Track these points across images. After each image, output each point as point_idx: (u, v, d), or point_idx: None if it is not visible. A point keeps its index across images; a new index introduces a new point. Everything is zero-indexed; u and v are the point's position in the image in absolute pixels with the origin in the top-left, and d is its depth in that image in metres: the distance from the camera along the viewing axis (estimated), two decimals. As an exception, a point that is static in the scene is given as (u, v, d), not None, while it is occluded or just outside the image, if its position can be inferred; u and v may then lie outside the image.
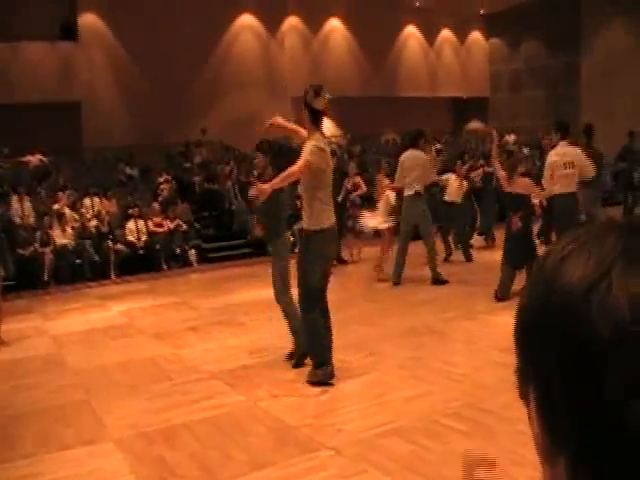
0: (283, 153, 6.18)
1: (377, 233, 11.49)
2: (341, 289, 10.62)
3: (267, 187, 5.86)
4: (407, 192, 9.84)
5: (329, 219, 5.83)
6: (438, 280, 9.96)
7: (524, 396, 0.65)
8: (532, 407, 0.63)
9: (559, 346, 0.58)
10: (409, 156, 9.90)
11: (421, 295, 9.46)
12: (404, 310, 8.64)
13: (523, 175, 8.78)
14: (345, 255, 13.00)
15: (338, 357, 6.57)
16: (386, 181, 10.72)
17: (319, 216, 5.80)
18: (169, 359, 7.24)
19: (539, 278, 0.63)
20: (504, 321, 7.65)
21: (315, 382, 5.86)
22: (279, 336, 7.27)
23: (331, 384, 5.85)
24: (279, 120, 6.25)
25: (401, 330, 7.57)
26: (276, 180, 5.89)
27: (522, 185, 8.56)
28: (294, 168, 5.78)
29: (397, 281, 10.11)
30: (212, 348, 7.57)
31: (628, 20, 23.97)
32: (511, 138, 22.13)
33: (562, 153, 8.52)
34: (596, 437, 0.55)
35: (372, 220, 10.66)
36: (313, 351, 5.99)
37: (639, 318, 0.54)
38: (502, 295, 8.54)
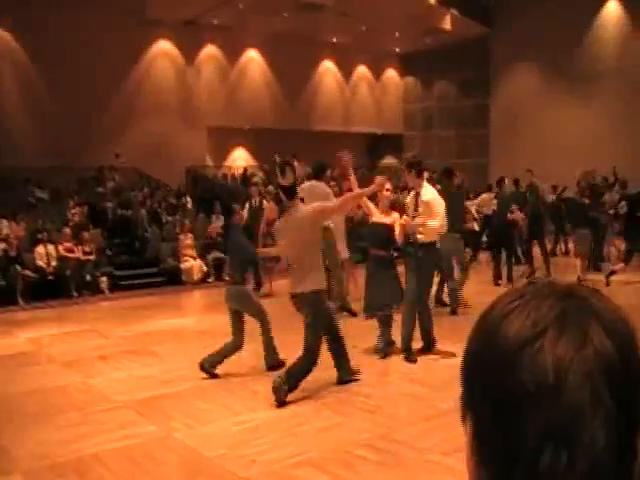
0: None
1: None
2: (251, 318, 10.63)
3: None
4: None
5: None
6: (345, 309, 10.20)
7: (463, 419, 0.75)
8: (468, 430, 0.74)
9: (492, 388, 0.69)
10: (305, 187, 9.48)
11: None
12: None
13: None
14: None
15: (250, 388, 6.63)
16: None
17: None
18: (79, 388, 7.11)
19: (484, 323, 0.73)
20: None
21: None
22: (190, 366, 7.27)
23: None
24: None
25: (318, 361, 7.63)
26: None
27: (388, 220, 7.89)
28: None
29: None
30: (123, 377, 7.47)
31: (534, 66, 25.20)
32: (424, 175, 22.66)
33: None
34: (514, 468, 0.66)
35: None
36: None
37: (560, 381, 0.65)
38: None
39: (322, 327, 6.31)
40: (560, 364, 0.66)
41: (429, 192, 7.68)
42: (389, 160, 29.66)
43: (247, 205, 13.46)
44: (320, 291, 6.25)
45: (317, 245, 6.41)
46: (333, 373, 7.20)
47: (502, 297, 0.74)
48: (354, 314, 10.08)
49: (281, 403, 6.07)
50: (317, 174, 10.08)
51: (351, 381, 6.71)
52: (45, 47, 19.66)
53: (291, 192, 6.32)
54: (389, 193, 7.86)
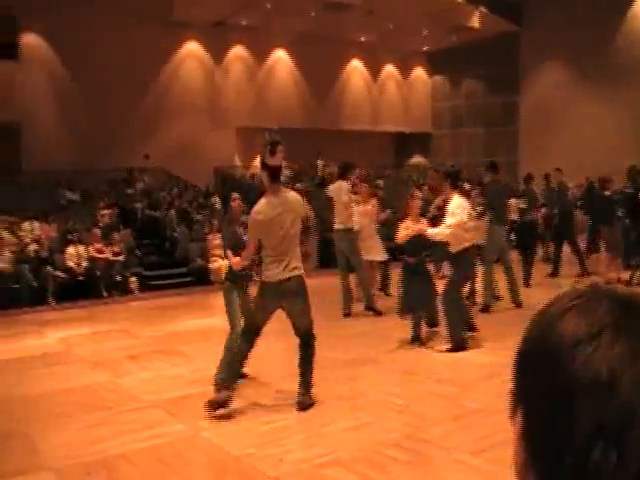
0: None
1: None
2: (282, 319, 10.64)
3: (243, 257, 6.38)
4: (341, 226, 10.05)
5: (273, 275, 5.98)
6: (372, 308, 10.26)
7: (513, 415, 0.75)
8: (517, 426, 0.74)
9: (545, 385, 0.69)
10: (334, 188, 10.11)
11: (360, 327, 9.56)
12: (345, 341, 8.70)
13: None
14: None
15: (278, 388, 6.62)
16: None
17: (265, 269, 6.06)
18: (108, 387, 7.15)
19: (541, 321, 0.74)
20: (440, 354, 7.81)
21: None
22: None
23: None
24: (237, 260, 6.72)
25: (341, 361, 7.63)
26: (246, 254, 6.36)
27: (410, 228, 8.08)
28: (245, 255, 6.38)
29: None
30: (152, 377, 7.50)
31: (563, 62, 24.92)
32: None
33: None
34: (562, 465, 0.66)
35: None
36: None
37: (614, 381, 0.65)
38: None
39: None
40: (615, 366, 0.66)
41: (455, 203, 7.81)
42: (417, 159, 29.55)
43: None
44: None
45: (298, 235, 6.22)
46: (361, 372, 7.18)
47: (561, 296, 0.75)
48: (380, 313, 10.14)
49: (311, 405, 6.06)
50: (343, 174, 10.13)
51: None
52: (75, 50, 19.89)
53: (277, 174, 5.94)
54: (419, 201, 8.18)
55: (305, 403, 6.04)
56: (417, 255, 8.04)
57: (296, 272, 6.01)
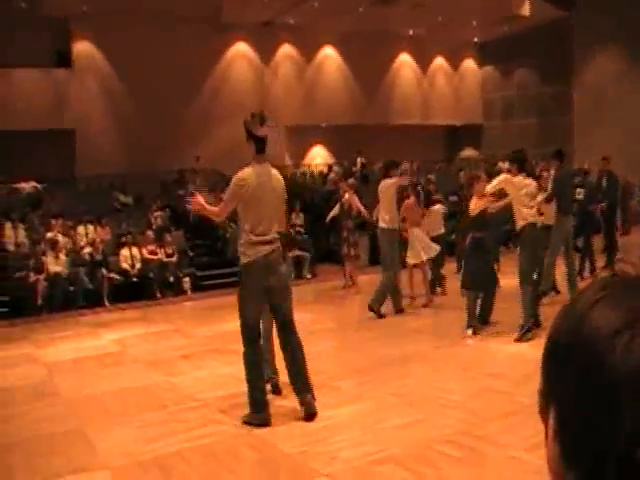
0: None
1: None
2: (333, 318, 10.70)
3: (207, 208, 6.01)
4: (383, 225, 10.01)
5: (257, 252, 5.68)
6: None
7: (544, 415, 0.72)
8: (550, 426, 0.70)
9: (581, 380, 0.65)
10: (381, 187, 10.10)
11: (413, 323, 9.53)
12: (397, 338, 8.69)
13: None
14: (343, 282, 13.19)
15: (330, 385, 6.63)
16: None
17: (246, 248, 5.70)
18: (163, 387, 7.27)
19: (570, 314, 0.70)
20: (496, 348, 7.73)
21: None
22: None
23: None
24: (200, 201, 6.07)
25: (394, 357, 7.62)
26: (214, 210, 6.02)
27: (473, 205, 8.46)
28: (215, 211, 5.98)
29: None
30: (205, 376, 7.60)
31: (617, 49, 24.32)
32: (505, 166, 22.27)
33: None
34: (604, 466, 0.62)
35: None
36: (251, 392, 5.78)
37: None
38: (470, 323, 8.54)
39: None
40: None
41: (518, 179, 8.13)
42: (468, 152, 29.24)
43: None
44: None
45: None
46: (414, 369, 7.15)
47: (587, 287, 0.72)
48: (400, 310, 10.17)
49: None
50: (387, 172, 10.14)
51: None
52: (125, 56, 20.26)
53: (263, 145, 5.76)
54: (484, 183, 8.45)
55: (314, 409, 5.82)
56: (483, 231, 8.46)
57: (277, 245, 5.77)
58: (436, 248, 10.63)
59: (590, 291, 0.70)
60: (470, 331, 8.37)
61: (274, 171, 5.93)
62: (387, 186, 9.90)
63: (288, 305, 5.94)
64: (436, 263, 11.27)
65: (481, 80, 29.75)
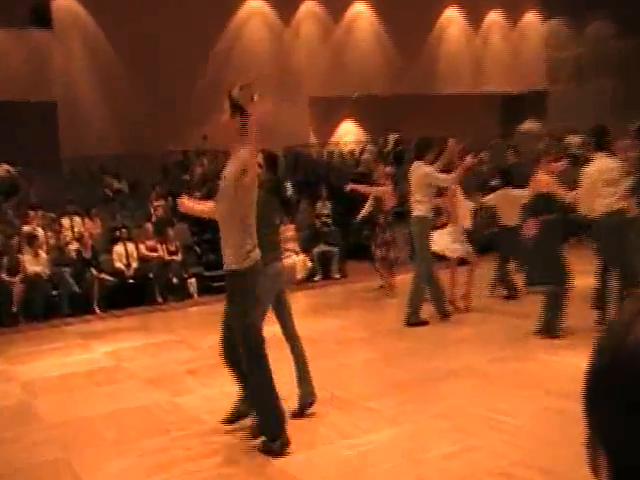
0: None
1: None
2: (365, 325, 10.70)
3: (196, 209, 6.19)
4: (415, 213, 10.07)
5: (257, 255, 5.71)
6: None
7: (595, 471, 0.71)
8: (604, 469, 0.70)
9: (628, 408, 0.65)
10: (412, 169, 10.19)
11: (461, 331, 9.52)
12: (441, 349, 8.71)
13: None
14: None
15: (363, 404, 6.64)
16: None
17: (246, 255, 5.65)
18: (165, 408, 7.32)
19: (609, 336, 0.71)
20: (562, 361, 7.68)
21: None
22: (293, 379, 7.33)
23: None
24: (186, 204, 6.29)
25: (438, 373, 7.62)
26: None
27: (543, 183, 8.62)
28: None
29: None
30: (215, 394, 7.63)
31: None
32: (575, 140, 22.05)
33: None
34: None
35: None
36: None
37: None
38: (540, 329, 8.60)
39: None
40: None
41: (595, 164, 8.44)
42: (530, 124, 28.98)
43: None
44: None
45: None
46: (462, 386, 7.14)
47: (623, 306, 0.73)
48: (447, 315, 10.22)
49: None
50: (420, 153, 10.18)
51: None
52: (117, 16, 20.34)
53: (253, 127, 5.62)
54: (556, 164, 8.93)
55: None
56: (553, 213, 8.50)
57: None
58: (468, 250, 10.67)
59: (629, 306, 0.71)
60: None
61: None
62: (421, 171, 9.91)
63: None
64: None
65: (546, 37, 29.41)
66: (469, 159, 10.04)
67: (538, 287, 8.64)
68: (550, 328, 8.55)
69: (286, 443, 5.70)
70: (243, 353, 5.69)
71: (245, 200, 5.58)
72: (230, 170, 5.62)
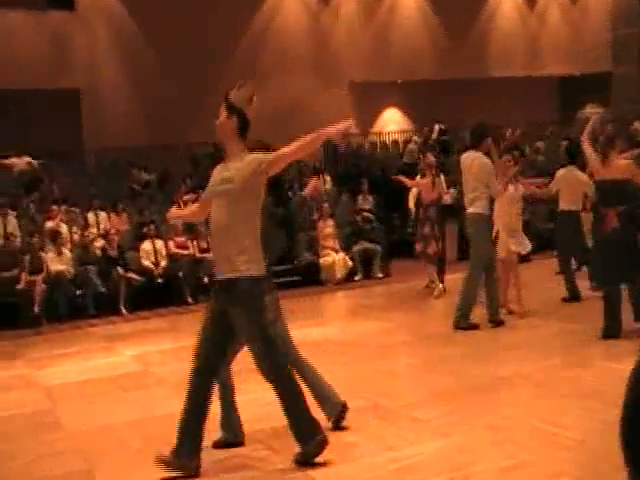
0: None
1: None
2: (410, 328, 10.64)
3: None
4: (471, 209, 9.94)
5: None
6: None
7: None
8: None
9: None
10: (464, 160, 10.03)
11: (513, 336, 9.44)
12: (492, 355, 8.67)
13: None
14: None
15: (407, 414, 6.59)
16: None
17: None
18: (194, 417, 7.31)
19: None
20: (625, 369, 7.56)
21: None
22: (335, 385, 7.29)
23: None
24: (174, 215, 6.52)
25: (489, 381, 7.55)
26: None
27: (622, 168, 8.35)
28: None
29: None
30: (247, 401, 7.57)
31: None
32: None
33: None
34: None
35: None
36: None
37: None
38: (606, 333, 8.45)
39: None
40: None
41: None
42: (591, 109, 28.64)
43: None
44: None
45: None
46: (516, 395, 7.06)
47: None
48: (500, 322, 10.06)
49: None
50: (475, 142, 10.01)
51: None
52: (151, 10, 20.34)
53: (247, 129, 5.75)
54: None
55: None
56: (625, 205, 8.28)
57: None
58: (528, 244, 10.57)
59: None
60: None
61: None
62: (472, 162, 9.80)
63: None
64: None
65: (611, 12, 28.93)
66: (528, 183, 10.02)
67: (614, 286, 8.47)
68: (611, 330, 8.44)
69: (323, 441, 5.66)
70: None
71: (259, 203, 5.65)
72: (240, 172, 5.59)
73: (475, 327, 9.85)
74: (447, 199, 13.23)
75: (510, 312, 10.57)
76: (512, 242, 10.36)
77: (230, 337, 5.87)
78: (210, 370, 5.92)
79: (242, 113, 5.72)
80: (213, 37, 21.22)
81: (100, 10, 20.78)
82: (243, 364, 9.17)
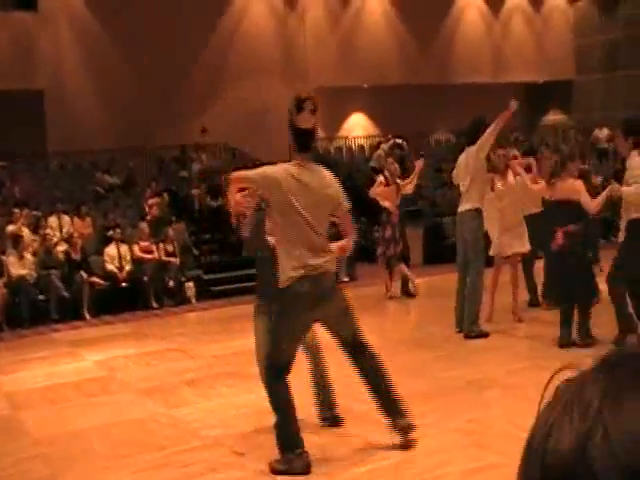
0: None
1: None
2: (383, 332, 10.64)
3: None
4: (463, 207, 9.70)
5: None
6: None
7: None
8: None
9: None
10: (461, 160, 9.81)
11: (483, 340, 9.45)
12: (462, 359, 8.65)
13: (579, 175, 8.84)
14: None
15: (379, 418, 6.57)
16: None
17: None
18: (161, 422, 7.28)
19: (530, 458, 0.70)
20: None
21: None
22: (303, 390, 7.25)
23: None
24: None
25: (459, 384, 7.57)
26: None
27: (568, 189, 8.36)
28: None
29: None
30: (216, 407, 7.60)
31: None
32: (603, 133, 22.02)
33: None
34: None
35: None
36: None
37: None
38: (562, 342, 8.50)
39: None
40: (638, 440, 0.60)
41: (635, 164, 8.02)
42: (554, 116, 28.91)
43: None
44: None
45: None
46: (487, 398, 7.08)
47: (541, 414, 0.72)
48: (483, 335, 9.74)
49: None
50: (471, 138, 9.75)
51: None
52: (116, 11, 20.25)
53: (311, 139, 5.79)
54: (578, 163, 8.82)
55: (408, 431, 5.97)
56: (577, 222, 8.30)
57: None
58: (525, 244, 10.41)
59: (542, 418, 0.70)
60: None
61: (329, 175, 6.01)
62: (470, 157, 9.59)
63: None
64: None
65: (573, 21, 29.27)
66: None
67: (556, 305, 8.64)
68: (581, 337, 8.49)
69: (305, 464, 5.63)
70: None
71: None
72: (333, 185, 5.93)
73: (486, 335, 9.47)
74: (409, 189, 13.08)
75: (520, 320, 10.29)
76: (506, 241, 10.09)
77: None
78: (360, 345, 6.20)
79: (294, 126, 5.69)
80: (179, 39, 21.14)
81: (64, 11, 20.63)
82: (208, 368, 9.18)
